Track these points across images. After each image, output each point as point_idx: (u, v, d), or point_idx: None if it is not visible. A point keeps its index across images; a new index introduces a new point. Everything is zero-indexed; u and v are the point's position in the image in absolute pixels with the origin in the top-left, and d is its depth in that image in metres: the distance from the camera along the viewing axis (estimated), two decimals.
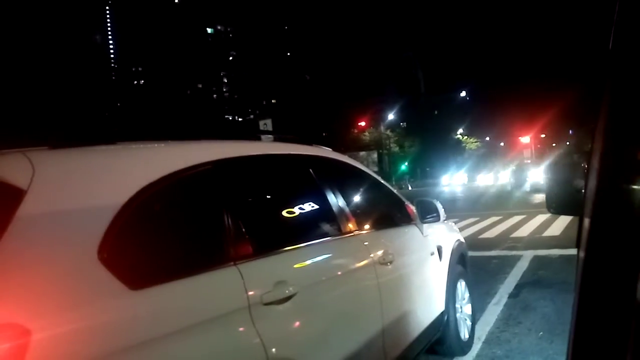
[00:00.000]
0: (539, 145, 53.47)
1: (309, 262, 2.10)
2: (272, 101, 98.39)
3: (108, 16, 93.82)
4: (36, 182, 1.32)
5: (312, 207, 2.43)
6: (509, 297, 5.09)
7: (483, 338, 3.93)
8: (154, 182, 1.57)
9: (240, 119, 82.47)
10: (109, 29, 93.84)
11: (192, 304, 1.52)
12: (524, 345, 3.71)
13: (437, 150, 55.88)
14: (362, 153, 44.72)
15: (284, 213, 2.22)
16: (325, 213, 2.43)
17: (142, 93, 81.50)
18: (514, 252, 7.70)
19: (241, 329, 1.60)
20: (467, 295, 3.87)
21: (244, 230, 1.81)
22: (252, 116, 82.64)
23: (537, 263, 6.74)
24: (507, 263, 6.85)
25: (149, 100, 64.90)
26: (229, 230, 1.76)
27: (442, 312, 3.31)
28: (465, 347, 3.66)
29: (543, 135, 56.29)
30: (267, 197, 2.26)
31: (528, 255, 7.32)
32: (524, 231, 10.08)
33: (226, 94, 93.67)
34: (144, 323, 1.37)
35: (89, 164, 1.55)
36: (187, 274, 1.54)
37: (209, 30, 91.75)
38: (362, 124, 56.03)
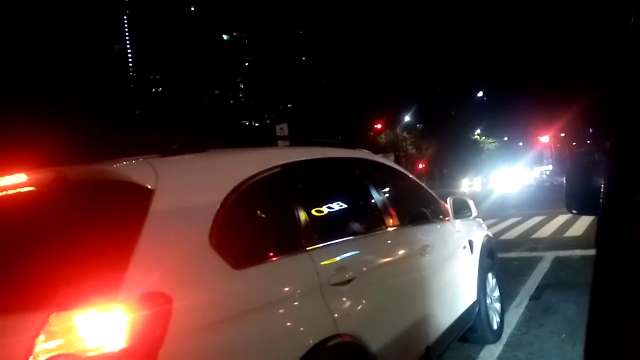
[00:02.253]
0: (558, 145, 52.94)
1: (361, 251, 2.40)
2: (288, 105, 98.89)
3: (126, 26, 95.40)
4: (160, 183, 1.63)
5: (361, 203, 2.80)
6: (530, 299, 5.03)
7: (504, 340, 3.90)
8: (242, 182, 1.90)
9: (256, 124, 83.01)
10: (127, 38, 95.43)
11: (278, 281, 1.84)
12: (545, 348, 3.66)
13: (454, 152, 55.65)
14: (379, 155, 44.77)
15: (339, 208, 2.52)
16: (372, 209, 2.75)
17: (161, 100, 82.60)
18: (534, 254, 7.62)
19: (315, 303, 1.91)
20: (496, 287, 4.11)
21: (309, 221, 2.12)
22: (268, 121, 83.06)
23: (559, 264, 6.66)
24: (528, 264, 6.76)
25: (167, 108, 65.69)
26: (299, 221, 2.07)
27: (474, 302, 3.56)
28: (496, 335, 3.89)
29: (562, 134, 55.66)
30: (325, 194, 2.56)
31: (549, 256, 7.22)
32: (545, 232, 10.02)
33: (243, 100, 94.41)
34: (245, 296, 1.69)
35: (194, 167, 1.91)
36: (272, 257, 1.87)
37: (225, 37, 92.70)
38: (378, 126, 56.11)
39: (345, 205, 2.57)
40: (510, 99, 68.45)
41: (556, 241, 8.68)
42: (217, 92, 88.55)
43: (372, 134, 57.17)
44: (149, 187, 1.61)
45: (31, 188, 1.78)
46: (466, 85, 72.93)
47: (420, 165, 50.57)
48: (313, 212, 2.22)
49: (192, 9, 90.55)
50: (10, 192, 1.80)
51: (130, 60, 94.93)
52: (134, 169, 1.72)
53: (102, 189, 1.66)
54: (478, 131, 64.86)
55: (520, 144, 67.65)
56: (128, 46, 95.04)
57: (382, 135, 55.75)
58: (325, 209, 2.40)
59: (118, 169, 1.74)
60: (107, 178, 1.68)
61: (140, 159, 1.80)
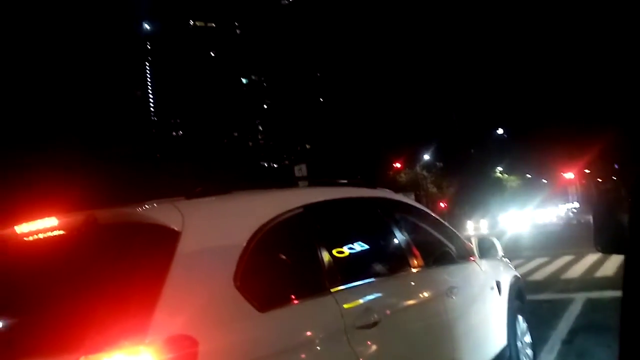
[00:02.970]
0: (583, 181, 51.94)
1: (386, 293, 2.36)
2: (307, 146, 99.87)
3: (148, 71, 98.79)
4: (187, 225, 1.65)
5: (384, 243, 2.76)
6: (562, 344, 4.86)
7: None
8: (265, 224, 1.90)
9: (275, 165, 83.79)
10: (148, 83, 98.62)
11: (302, 324, 1.82)
12: None
13: (476, 190, 55.09)
14: (400, 194, 44.51)
15: (362, 249, 2.49)
16: (395, 249, 2.71)
17: (181, 144, 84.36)
18: (565, 295, 7.38)
19: (340, 347, 1.87)
20: (527, 330, 3.95)
21: (332, 262, 2.11)
22: (287, 162, 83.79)
23: (591, 306, 6.42)
24: (559, 307, 6.52)
25: (188, 151, 66.97)
26: (322, 262, 2.06)
27: (504, 347, 3.42)
28: None
29: (587, 171, 54.66)
30: (347, 234, 2.53)
31: (580, 298, 6.98)
32: (575, 272, 9.72)
33: (261, 141, 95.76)
34: (269, 339, 1.67)
35: (219, 209, 1.94)
36: (296, 299, 1.85)
37: (244, 80, 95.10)
38: (398, 165, 56.05)
39: (368, 246, 2.54)
40: (532, 136, 67.86)
41: (587, 282, 8.41)
42: (236, 134, 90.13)
43: (391, 172, 57.07)
44: (176, 229, 1.63)
45: (62, 232, 1.81)
46: (486, 122, 72.82)
47: (442, 204, 50.08)
48: (336, 253, 2.20)
49: (212, 54, 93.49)
50: (42, 235, 1.84)
51: (151, 105, 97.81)
52: (161, 212, 1.75)
53: (130, 231, 1.69)
54: (500, 169, 64.28)
55: (544, 180, 66.64)
56: (149, 91, 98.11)
57: (402, 174, 55.58)
58: (348, 250, 2.38)
59: (146, 212, 1.78)
60: (136, 221, 1.71)
61: (167, 202, 1.84)
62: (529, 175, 66.95)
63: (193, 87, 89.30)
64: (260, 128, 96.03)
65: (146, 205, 1.84)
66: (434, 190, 53.76)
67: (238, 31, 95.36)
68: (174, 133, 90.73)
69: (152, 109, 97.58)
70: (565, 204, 52.30)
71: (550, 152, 59.23)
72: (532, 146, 65.65)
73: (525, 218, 37.29)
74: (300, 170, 18.04)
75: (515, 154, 64.34)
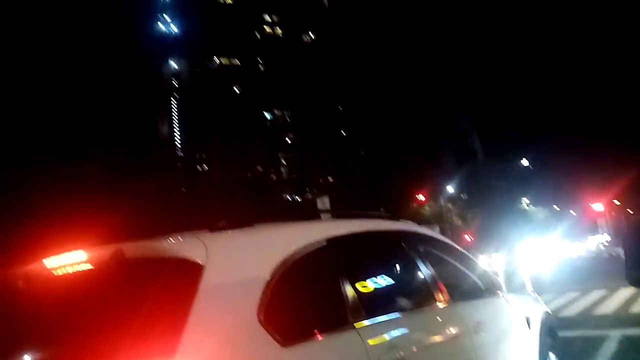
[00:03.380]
0: (613, 213, 50.57)
1: (411, 329, 2.30)
2: (329, 179, 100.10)
3: (174, 108, 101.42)
4: (210, 258, 1.67)
5: (408, 277, 2.71)
6: None
7: None
8: (288, 257, 1.91)
9: (298, 198, 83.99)
10: (174, 120, 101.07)
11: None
12: None
13: (502, 223, 54.10)
14: (424, 227, 44.02)
15: (386, 283, 2.46)
16: (420, 283, 2.65)
17: (206, 178, 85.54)
18: (599, 332, 7.08)
19: None
20: None
21: (356, 297, 2.08)
22: (309, 195, 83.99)
23: (627, 344, 6.12)
24: (593, 345, 6.25)
25: (212, 185, 67.84)
26: (345, 296, 2.04)
27: None
28: None
29: (617, 202, 53.27)
30: (371, 268, 2.50)
31: (615, 335, 6.67)
32: (608, 308, 9.38)
33: (284, 175, 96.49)
34: None
35: (242, 242, 1.94)
36: (320, 334, 1.82)
37: (267, 115, 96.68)
38: (421, 197, 55.62)
39: (392, 280, 2.51)
40: (559, 166, 66.90)
41: (622, 318, 8.08)
42: (259, 168, 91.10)
43: (415, 205, 56.65)
44: (200, 262, 1.65)
45: (90, 265, 1.85)
46: (510, 154, 72.05)
47: (467, 237, 49.23)
48: (360, 287, 2.17)
49: (237, 91, 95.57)
50: (70, 269, 1.88)
51: (177, 141, 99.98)
52: (186, 246, 1.77)
53: (155, 265, 1.70)
54: (526, 200, 63.19)
55: (572, 212, 65.15)
56: (175, 128, 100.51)
57: (426, 207, 55.11)
58: (372, 284, 2.35)
59: (171, 245, 1.80)
60: (161, 254, 1.73)
61: (192, 235, 1.86)
62: (556, 207, 65.55)
63: (217, 121, 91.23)
64: (284, 162, 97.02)
65: (171, 239, 1.86)
66: (459, 222, 52.98)
67: (261, 67, 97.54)
68: (199, 167, 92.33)
69: (178, 144, 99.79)
70: (595, 236, 50.82)
71: (579, 183, 58.09)
72: (559, 177, 64.58)
73: (549, 252, 35.78)
74: (323, 203, 18.07)
75: (542, 185, 63.33)
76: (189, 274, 1.62)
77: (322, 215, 2.98)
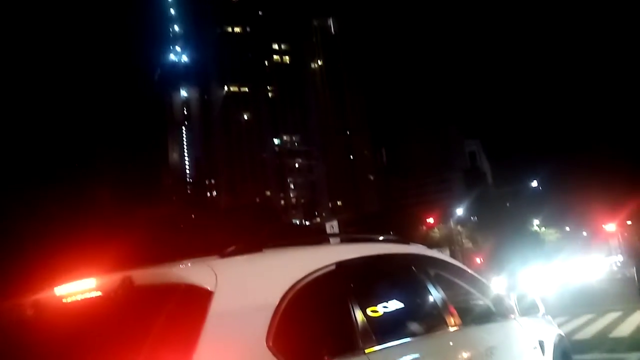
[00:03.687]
0: (625, 234, 49.87)
1: (423, 353, 2.27)
2: (338, 203, 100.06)
3: (184, 135, 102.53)
4: (219, 285, 1.67)
5: (419, 301, 2.68)
6: None
7: None
8: (297, 282, 1.90)
9: (307, 222, 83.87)
10: (184, 147, 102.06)
11: None
12: None
13: (514, 245, 53.46)
14: (434, 250, 43.66)
15: (396, 307, 2.43)
16: (431, 307, 2.62)
17: (215, 204, 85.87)
18: (616, 356, 7.02)
19: None
20: None
21: (366, 322, 2.07)
22: (318, 219, 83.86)
23: None
24: None
25: (222, 210, 68.02)
26: (355, 321, 2.02)
27: None
28: None
29: (629, 222, 52.59)
30: (381, 292, 2.47)
31: (632, 359, 6.63)
32: (624, 330, 9.19)
33: (293, 200, 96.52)
34: None
35: (251, 268, 1.94)
36: (331, 359, 1.79)
37: (276, 141, 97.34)
38: (431, 220, 55.28)
39: (403, 304, 2.47)
40: (570, 187, 66.41)
41: (638, 341, 7.90)
42: (268, 193, 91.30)
43: (424, 228, 56.28)
44: (209, 289, 1.65)
45: (99, 293, 1.85)
46: (520, 175, 71.75)
47: (478, 260, 48.64)
48: (370, 311, 2.16)
49: (246, 117, 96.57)
50: (80, 297, 1.89)
51: (187, 168, 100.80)
52: (195, 272, 1.78)
53: (164, 292, 1.70)
54: (537, 222, 62.58)
55: (584, 233, 64.34)
56: (185, 155, 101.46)
57: (435, 230, 54.71)
58: (382, 308, 2.32)
59: (179, 271, 1.80)
60: (170, 281, 1.73)
61: (201, 262, 1.87)
62: (567, 228, 64.84)
63: (227, 148, 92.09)
64: (292, 187, 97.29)
65: (180, 265, 1.87)
66: (469, 245, 52.45)
67: (270, 95, 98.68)
68: (208, 194, 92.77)
69: (187, 170, 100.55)
70: (607, 257, 50.04)
71: (590, 204, 57.52)
72: (570, 198, 64.00)
73: (557, 274, 34.88)
74: (332, 227, 18.02)
75: (553, 206, 62.81)
76: (197, 300, 1.62)
77: (331, 239, 2.98)
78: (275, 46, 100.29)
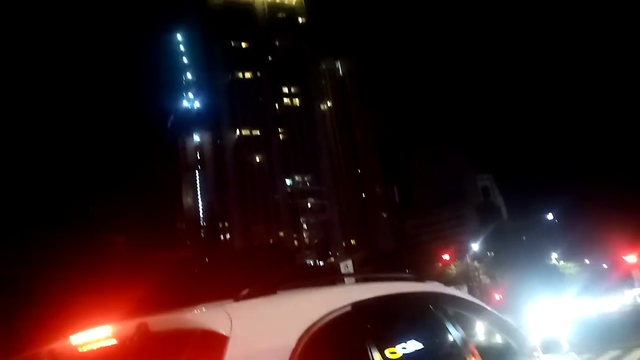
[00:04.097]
0: None
1: None
2: (352, 242, 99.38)
3: (198, 179, 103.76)
4: (235, 329, 1.67)
5: (438, 341, 2.59)
6: None
7: None
8: (313, 324, 1.88)
9: (321, 262, 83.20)
10: (198, 191, 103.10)
11: None
12: None
13: (532, 279, 52.31)
14: (451, 288, 42.86)
15: (415, 348, 2.37)
16: (450, 347, 2.54)
17: (228, 245, 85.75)
18: None
19: None
20: None
21: None
22: (332, 259, 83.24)
23: None
24: None
25: (235, 253, 67.87)
26: None
27: None
28: None
29: None
30: (399, 332, 2.43)
31: None
32: None
33: (306, 240, 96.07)
34: None
35: (266, 311, 1.94)
36: None
37: (288, 181, 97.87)
38: (446, 257, 54.56)
39: (421, 344, 2.39)
40: (587, 219, 65.20)
41: None
42: (281, 233, 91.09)
43: (440, 265, 55.48)
44: (224, 334, 1.64)
45: (115, 341, 1.85)
46: (535, 207, 70.91)
47: (497, 296, 47.56)
48: (388, 353, 2.11)
49: (258, 159, 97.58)
50: (95, 345, 1.88)
51: (201, 210, 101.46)
52: (210, 317, 1.78)
53: (180, 337, 1.70)
54: (555, 255, 61.36)
55: (604, 265, 62.77)
56: (199, 198, 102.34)
57: (452, 266, 53.88)
58: (400, 349, 2.26)
59: (194, 317, 1.81)
60: (185, 327, 1.73)
61: (216, 306, 1.87)
62: (587, 261, 63.44)
63: (240, 191, 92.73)
64: (305, 227, 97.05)
65: (195, 310, 1.88)
66: (487, 281, 51.43)
67: (281, 136, 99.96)
68: (222, 237, 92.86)
69: (201, 214, 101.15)
70: (630, 289, 48.63)
71: (609, 235, 56.41)
72: (588, 229, 62.77)
73: (577, 308, 33.31)
74: (347, 266, 17.84)
75: (571, 238, 61.67)
76: (213, 345, 1.61)
77: (346, 279, 2.95)
78: (285, 89, 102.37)
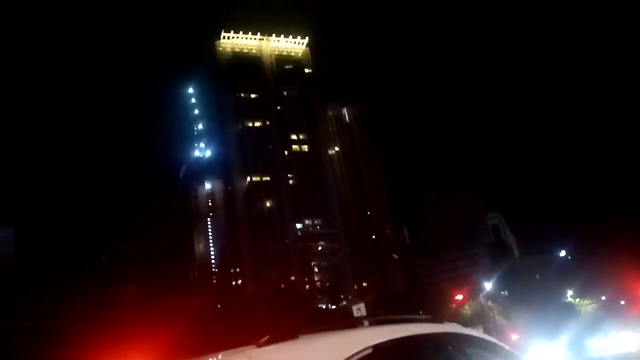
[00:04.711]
0: None
1: None
2: (363, 284, 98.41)
3: (209, 226, 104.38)
4: None
5: None
6: None
7: None
8: None
9: (333, 306, 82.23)
10: (209, 237, 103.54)
11: None
12: None
13: (548, 318, 51.46)
14: (468, 328, 42.31)
15: None
16: None
17: (241, 292, 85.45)
18: None
19: None
20: None
21: None
22: (344, 302, 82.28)
23: None
24: None
25: (247, 298, 67.60)
26: None
27: None
28: None
29: None
30: None
31: None
32: None
33: (318, 283, 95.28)
34: None
35: (288, 356, 2.02)
36: None
37: (298, 225, 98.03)
38: (460, 297, 54.05)
39: None
40: (601, 254, 64.41)
41: None
42: (293, 278, 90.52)
43: (454, 306, 54.88)
44: None
45: None
46: (547, 245, 70.26)
47: (514, 336, 46.77)
48: None
49: (268, 204, 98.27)
50: None
51: (212, 257, 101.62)
52: None
53: None
54: (571, 292, 60.43)
55: (622, 302, 61.57)
56: (211, 245, 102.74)
57: (466, 307, 53.29)
58: None
59: None
60: None
61: (239, 352, 2.00)
62: (603, 297, 62.30)
63: (251, 236, 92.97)
64: (316, 270, 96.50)
65: (220, 356, 2.01)
66: (503, 321, 50.68)
67: (291, 182, 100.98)
68: (233, 282, 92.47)
69: (213, 260, 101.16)
70: None
71: (625, 270, 55.58)
72: (603, 265, 61.80)
73: (596, 346, 32.13)
74: (359, 310, 17.91)
75: (586, 275, 60.83)
76: None
77: (365, 322, 2.88)
78: (294, 136, 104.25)
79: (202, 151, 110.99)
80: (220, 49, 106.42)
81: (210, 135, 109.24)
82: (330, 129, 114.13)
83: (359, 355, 2.03)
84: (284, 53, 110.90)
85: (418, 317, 2.91)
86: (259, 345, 1.99)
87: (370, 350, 2.10)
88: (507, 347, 3.18)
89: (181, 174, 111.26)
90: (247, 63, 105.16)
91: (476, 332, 3.18)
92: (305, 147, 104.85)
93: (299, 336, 2.12)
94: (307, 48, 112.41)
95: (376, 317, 2.74)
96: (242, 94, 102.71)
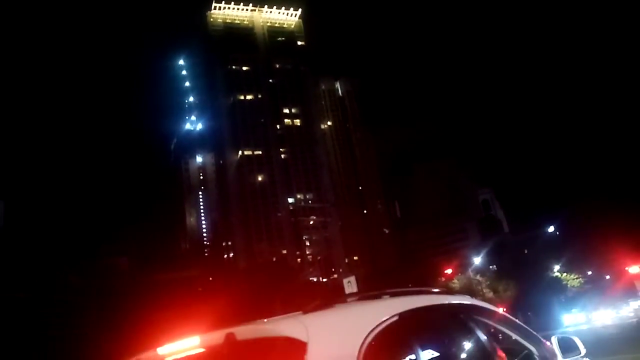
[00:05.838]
0: None
1: None
2: (354, 258, 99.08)
3: (201, 200, 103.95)
4: (311, 336, 1.97)
5: (470, 347, 2.87)
6: None
7: None
8: (371, 331, 2.17)
9: (324, 279, 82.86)
10: (201, 211, 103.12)
11: None
12: None
13: (536, 292, 52.18)
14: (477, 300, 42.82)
15: (450, 351, 2.69)
16: (481, 352, 2.81)
17: (232, 265, 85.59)
18: None
19: None
20: None
21: None
22: (335, 275, 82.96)
23: None
24: None
25: (239, 271, 67.79)
26: None
27: None
28: None
29: None
30: (437, 339, 2.75)
31: None
32: None
33: (309, 257, 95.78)
34: None
35: (333, 320, 2.26)
36: None
37: (290, 200, 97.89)
38: (449, 271, 54.56)
39: (454, 349, 2.74)
40: (588, 230, 65.10)
41: None
42: (284, 251, 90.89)
43: (443, 279, 55.40)
44: (303, 340, 1.94)
45: (204, 349, 2.13)
46: (536, 221, 70.89)
47: (502, 309, 47.40)
48: (426, 357, 2.40)
49: (260, 178, 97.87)
50: (184, 354, 2.16)
51: (204, 231, 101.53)
52: (289, 326, 2.06)
53: (265, 344, 2.00)
54: (558, 267, 61.22)
55: (607, 277, 62.57)
56: (203, 218, 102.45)
57: (455, 280, 53.79)
58: (437, 354, 2.53)
59: (276, 326, 2.11)
60: (269, 335, 2.04)
61: (291, 317, 2.19)
62: (589, 272, 63.22)
63: (242, 210, 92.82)
64: (308, 244, 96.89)
65: (276, 321, 2.18)
66: (491, 294, 51.26)
67: (283, 156, 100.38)
68: (225, 255, 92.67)
69: (204, 233, 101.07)
70: (635, 300, 48.46)
71: (612, 246, 56.26)
72: (591, 241, 62.53)
73: (584, 317, 33.71)
74: (350, 282, 17.88)
75: (574, 250, 61.54)
76: (295, 350, 1.91)
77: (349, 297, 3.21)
78: (286, 110, 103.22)
79: (194, 124, 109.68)
80: (212, 19, 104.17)
81: (201, 108, 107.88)
82: (322, 103, 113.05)
83: (388, 322, 2.29)
84: (277, 25, 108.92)
85: (433, 289, 3.21)
86: (305, 312, 2.26)
87: (396, 318, 2.36)
88: (510, 317, 3.47)
89: (172, 147, 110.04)
90: (238, 34, 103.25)
91: (484, 304, 3.45)
92: (297, 121, 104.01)
93: (335, 305, 2.40)
94: (300, 20, 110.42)
95: (397, 290, 2.96)
96: (233, 66, 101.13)
